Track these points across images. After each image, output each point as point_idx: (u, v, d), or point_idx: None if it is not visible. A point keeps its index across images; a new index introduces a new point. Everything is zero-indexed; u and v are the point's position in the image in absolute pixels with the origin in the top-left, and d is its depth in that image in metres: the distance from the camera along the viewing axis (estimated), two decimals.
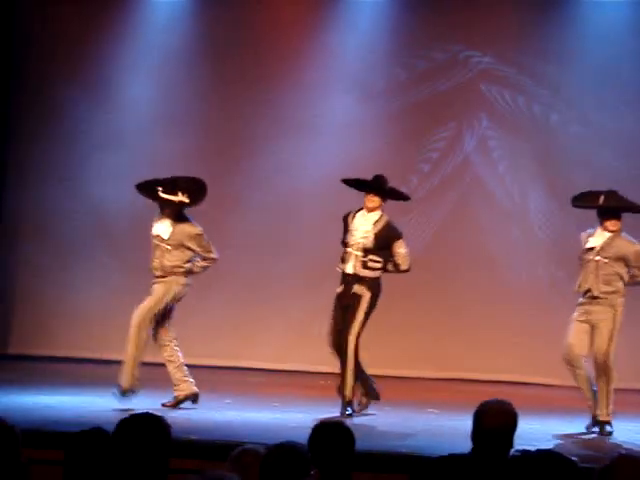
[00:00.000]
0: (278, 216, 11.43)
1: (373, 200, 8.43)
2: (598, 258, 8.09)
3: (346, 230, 8.50)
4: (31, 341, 11.52)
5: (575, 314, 8.19)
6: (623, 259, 8.11)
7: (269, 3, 11.60)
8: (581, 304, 8.18)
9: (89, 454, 3.95)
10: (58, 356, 11.17)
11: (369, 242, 8.39)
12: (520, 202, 11.30)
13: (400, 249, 8.43)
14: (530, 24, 11.13)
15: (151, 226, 8.63)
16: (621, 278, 8.12)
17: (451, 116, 11.35)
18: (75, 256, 11.56)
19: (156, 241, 8.54)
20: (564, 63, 11.17)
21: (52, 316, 11.54)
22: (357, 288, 8.37)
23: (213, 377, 10.08)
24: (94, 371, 10.25)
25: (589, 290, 8.13)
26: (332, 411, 8.19)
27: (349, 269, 8.40)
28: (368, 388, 8.45)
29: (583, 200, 8.30)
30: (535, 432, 7.35)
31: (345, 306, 8.40)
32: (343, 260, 8.46)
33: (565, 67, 11.17)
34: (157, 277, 8.53)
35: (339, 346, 8.38)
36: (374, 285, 8.39)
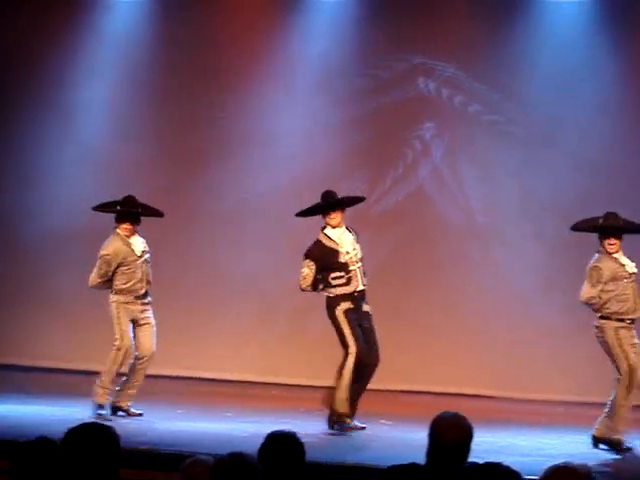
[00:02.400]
0: (232, 225, 11.39)
1: (337, 216, 8.48)
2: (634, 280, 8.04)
3: (334, 256, 8.42)
4: None
5: (635, 340, 8.02)
6: None
7: (228, 11, 11.58)
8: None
9: (35, 464, 3.90)
10: (7, 364, 11.07)
11: (360, 251, 8.51)
12: (480, 217, 11.35)
13: None
14: (488, 33, 11.19)
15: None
16: None
17: (411, 125, 11.37)
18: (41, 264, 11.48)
19: (143, 257, 8.67)
20: (524, 73, 11.21)
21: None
22: (366, 307, 8.49)
23: (163, 387, 10.03)
24: (47, 380, 10.17)
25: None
26: (284, 422, 8.16)
27: (361, 286, 8.45)
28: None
29: (582, 224, 8.24)
30: (484, 444, 7.36)
31: (359, 323, 8.44)
32: (349, 281, 8.41)
33: (525, 76, 11.22)
34: (144, 295, 8.68)
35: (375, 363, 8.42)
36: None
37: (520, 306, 11.13)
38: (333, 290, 8.42)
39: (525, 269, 11.12)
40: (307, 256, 8.42)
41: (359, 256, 8.48)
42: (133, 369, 8.58)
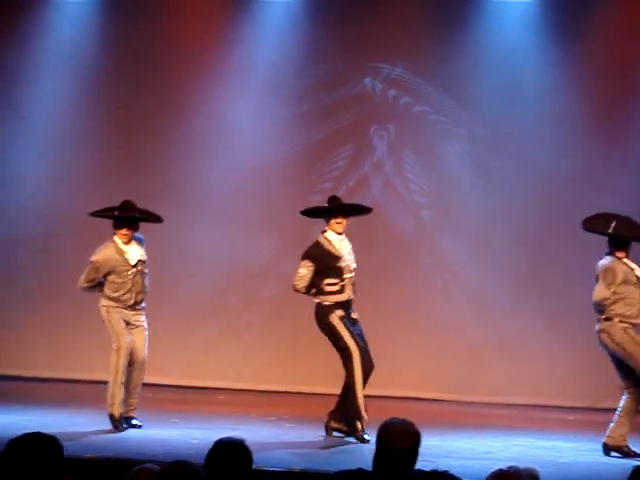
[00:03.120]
0: (191, 225, 11.32)
1: (342, 222, 8.29)
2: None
3: (333, 260, 8.26)
4: None
5: None
6: None
7: (177, 11, 11.52)
8: None
9: None
10: None
11: (354, 262, 8.37)
12: (427, 216, 11.40)
13: None
14: (436, 35, 11.24)
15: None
16: None
17: (357, 127, 11.40)
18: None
19: (137, 267, 8.41)
20: (471, 75, 11.26)
21: None
22: (354, 314, 8.35)
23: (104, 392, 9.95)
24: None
25: None
26: (233, 428, 8.13)
27: (350, 295, 8.29)
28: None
29: (594, 224, 8.15)
30: (431, 448, 7.39)
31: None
32: (342, 289, 8.25)
33: (472, 78, 11.27)
34: (136, 305, 8.45)
35: (371, 369, 8.32)
36: None
37: (468, 307, 11.20)
38: (325, 297, 8.22)
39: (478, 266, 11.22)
40: (306, 256, 8.20)
41: (354, 266, 8.35)
42: (128, 376, 8.33)
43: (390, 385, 10.95)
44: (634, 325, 8.05)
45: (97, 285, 8.40)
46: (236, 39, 11.43)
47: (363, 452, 7.11)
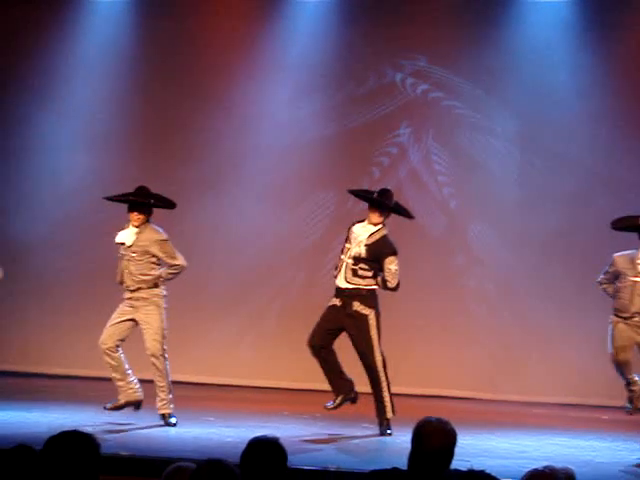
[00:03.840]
0: (227, 222, 11.36)
1: (374, 216, 8.32)
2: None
3: (346, 239, 8.39)
4: None
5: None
6: None
7: (211, 13, 11.56)
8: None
9: (16, 472, 3.87)
10: None
11: (362, 252, 8.28)
12: (461, 224, 11.39)
13: (391, 265, 8.24)
14: (471, 33, 11.22)
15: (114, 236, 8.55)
16: None
17: (386, 121, 11.40)
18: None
19: (121, 250, 8.46)
20: (506, 72, 11.24)
21: None
22: (358, 306, 8.27)
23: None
24: (30, 386, 10.14)
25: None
26: (267, 426, 8.15)
27: (341, 282, 8.28)
28: (335, 389, 8.42)
29: (623, 222, 8.19)
30: (466, 447, 7.38)
31: (340, 322, 8.28)
32: (336, 268, 8.36)
33: (507, 75, 11.25)
34: (131, 291, 8.43)
35: (318, 348, 8.30)
36: (374, 301, 8.28)
37: (503, 306, 11.16)
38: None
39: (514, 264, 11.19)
40: (397, 253, 8.28)
41: (354, 254, 8.31)
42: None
43: (424, 384, 10.95)
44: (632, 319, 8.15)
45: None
46: (270, 36, 11.46)
47: (396, 450, 7.10)
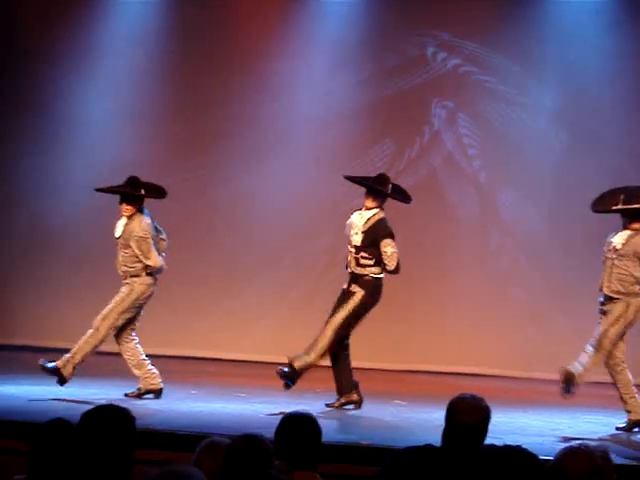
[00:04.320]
0: (245, 211, 11.39)
1: (368, 201, 8.36)
2: (614, 256, 7.97)
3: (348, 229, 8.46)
4: None
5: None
6: (637, 257, 7.91)
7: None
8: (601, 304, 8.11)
9: (53, 445, 3.91)
10: (16, 345, 11.12)
11: (359, 239, 8.31)
12: (493, 198, 11.35)
13: (386, 248, 8.23)
14: (505, 18, 11.17)
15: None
16: (637, 280, 7.92)
17: (417, 95, 11.38)
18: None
19: (116, 240, 8.66)
20: (535, 61, 11.20)
21: (10, 305, 11.48)
22: (353, 287, 8.31)
23: (177, 367, 10.05)
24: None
25: (602, 289, 8.04)
26: (299, 402, 8.17)
27: (349, 267, 8.36)
28: (338, 388, 8.39)
29: (603, 205, 8.09)
30: (500, 425, 7.37)
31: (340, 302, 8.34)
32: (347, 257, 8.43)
33: (535, 65, 11.21)
34: (122, 277, 8.58)
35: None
36: (370, 285, 8.28)
37: (538, 278, 11.12)
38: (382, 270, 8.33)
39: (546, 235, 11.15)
40: (393, 236, 8.29)
41: (354, 243, 8.38)
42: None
43: (458, 361, 10.94)
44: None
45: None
46: (300, 14, 11.46)
47: (429, 427, 7.11)
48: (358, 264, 8.30)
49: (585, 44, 11.12)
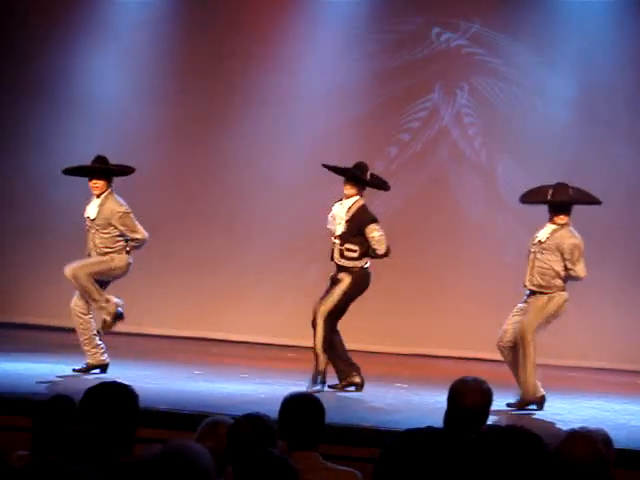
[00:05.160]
0: (251, 191, 11.39)
1: (347, 188, 8.32)
2: (536, 250, 7.98)
3: (329, 222, 8.42)
4: None
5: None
6: (559, 251, 7.92)
7: None
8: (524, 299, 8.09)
9: (57, 421, 3.92)
10: (18, 322, 11.14)
11: (342, 229, 8.28)
12: (494, 174, 11.35)
13: (372, 233, 8.20)
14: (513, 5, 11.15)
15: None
16: (557, 274, 7.93)
17: (428, 87, 11.36)
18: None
19: (87, 223, 8.49)
20: (542, 46, 11.16)
21: (10, 283, 11.50)
22: (340, 275, 8.28)
23: (180, 347, 10.07)
24: (59, 339, 10.23)
25: (525, 285, 8.05)
26: (300, 384, 8.18)
27: (334, 259, 8.32)
28: (338, 372, 8.41)
29: (531, 196, 8.16)
30: (502, 410, 7.39)
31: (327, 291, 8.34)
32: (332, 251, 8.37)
33: (542, 51, 11.18)
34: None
35: (313, 321, 8.34)
36: (357, 273, 8.25)
37: None
38: (368, 261, 8.32)
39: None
40: (377, 220, 8.25)
41: (338, 234, 8.35)
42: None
43: (460, 345, 10.94)
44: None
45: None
46: (305, 3, 11.45)
47: (431, 409, 7.13)
48: (342, 256, 8.26)
49: (597, 33, 11.08)
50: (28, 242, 11.51)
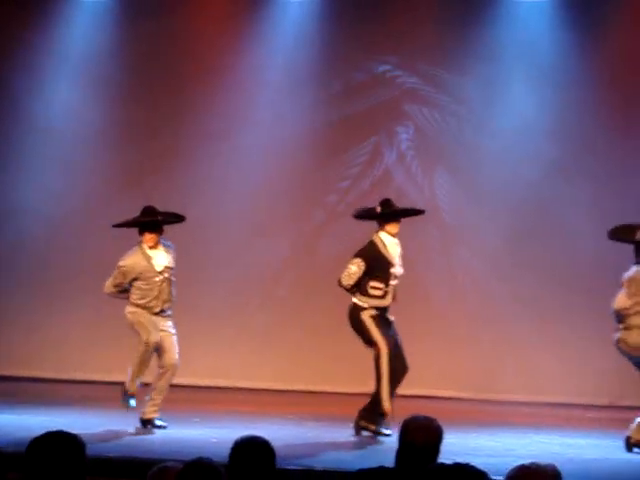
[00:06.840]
0: (205, 229, 11.34)
1: (397, 226, 8.37)
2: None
3: (385, 264, 8.30)
4: None
5: None
6: None
7: (193, 7, 11.55)
8: None
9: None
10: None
11: (401, 268, 8.44)
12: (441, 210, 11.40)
13: (350, 265, 8.35)
14: (454, 33, 11.23)
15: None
16: None
17: (372, 131, 11.42)
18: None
19: (165, 273, 8.44)
20: (491, 72, 11.27)
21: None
22: (390, 316, 8.41)
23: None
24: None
25: None
26: (253, 427, 8.12)
27: (390, 302, 8.34)
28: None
29: (620, 233, 8.09)
30: (451, 446, 7.35)
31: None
32: (385, 295, 8.30)
33: (492, 74, 11.28)
34: (163, 313, 8.50)
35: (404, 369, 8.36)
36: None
37: (488, 306, 11.16)
38: (366, 300, 8.27)
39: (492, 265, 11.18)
40: (360, 255, 8.26)
41: (400, 272, 8.39)
42: (157, 379, 8.35)
43: (412, 384, 10.93)
44: None
45: (123, 291, 8.40)
46: (252, 37, 11.47)
47: (385, 450, 7.10)
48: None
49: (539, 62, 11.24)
50: None
